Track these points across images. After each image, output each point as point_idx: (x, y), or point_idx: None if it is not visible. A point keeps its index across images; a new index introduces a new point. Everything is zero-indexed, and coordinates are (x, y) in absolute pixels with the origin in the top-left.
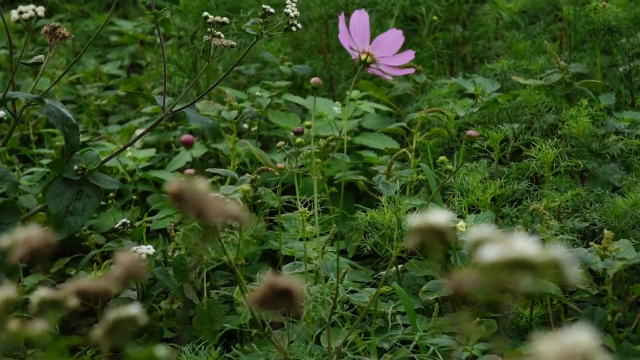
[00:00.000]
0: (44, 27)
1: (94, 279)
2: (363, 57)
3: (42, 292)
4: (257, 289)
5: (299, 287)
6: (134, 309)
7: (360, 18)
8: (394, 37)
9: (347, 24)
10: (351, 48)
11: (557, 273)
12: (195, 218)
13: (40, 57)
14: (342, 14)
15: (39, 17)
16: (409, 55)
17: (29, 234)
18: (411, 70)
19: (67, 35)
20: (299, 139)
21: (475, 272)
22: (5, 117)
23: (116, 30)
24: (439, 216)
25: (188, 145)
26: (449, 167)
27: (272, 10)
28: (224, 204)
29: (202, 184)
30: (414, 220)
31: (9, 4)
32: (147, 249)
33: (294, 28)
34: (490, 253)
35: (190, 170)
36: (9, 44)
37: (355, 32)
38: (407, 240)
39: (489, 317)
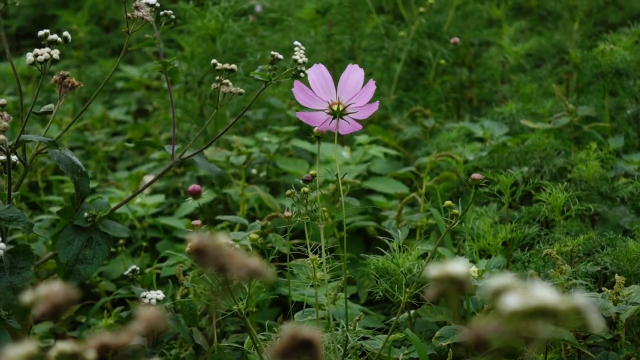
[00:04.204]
0: (54, 77)
1: (115, 332)
2: (335, 107)
3: (62, 345)
4: (277, 340)
5: (320, 338)
6: None
7: (317, 72)
8: (353, 71)
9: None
10: (314, 110)
11: (578, 320)
12: (217, 273)
13: (50, 106)
14: (297, 81)
15: (54, 60)
16: (372, 85)
17: (50, 290)
18: (375, 106)
19: (76, 84)
20: (305, 188)
21: (496, 320)
22: (17, 163)
23: (122, 76)
24: (458, 266)
25: (195, 195)
26: (456, 211)
27: (280, 56)
28: (245, 258)
29: (222, 239)
30: (433, 270)
31: (16, 49)
32: (157, 295)
33: (302, 74)
34: (511, 301)
35: (198, 221)
36: (19, 91)
37: (317, 87)
38: (427, 290)
39: None
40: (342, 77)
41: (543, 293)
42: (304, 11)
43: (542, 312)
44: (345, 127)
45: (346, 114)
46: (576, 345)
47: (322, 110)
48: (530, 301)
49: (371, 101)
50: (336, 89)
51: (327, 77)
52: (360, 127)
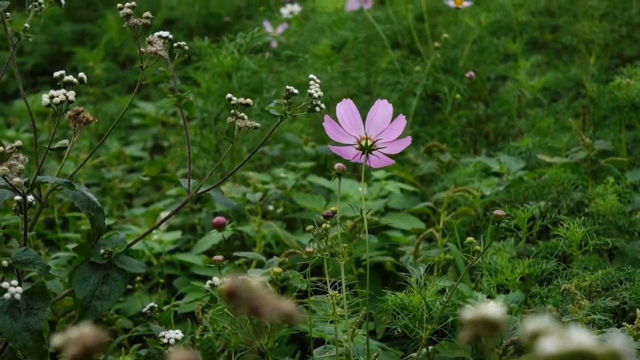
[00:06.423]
0: (68, 112)
1: None
2: (363, 142)
3: None
4: None
5: None
6: None
7: (345, 107)
8: (382, 106)
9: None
10: (344, 145)
11: None
12: (250, 315)
13: (65, 141)
14: (326, 116)
15: (70, 102)
16: (402, 120)
17: (81, 332)
18: (407, 141)
19: (90, 119)
20: (325, 224)
21: None
22: (33, 202)
23: (138, 112)
24: (493, 309)
25: (220, 227)
26: (478, 247)
27: (295, 91)
28: (278, 301)
29: (255, 282)
30: (467, 313)
31: (32, 86)
32: (176, 334)
33: (317, 109)
34: (549, 345)
35: (219, 257)
36: (33, 128)
37: (345, 122)
38: (461, 333)
39: None
40: (370, 112)
41: (580, 337)
42: (320, 47)
43: (579, 356)
44: (376, 161)
45: (375, 149)
46: None
47: (351, 145)
48: (568, 345)
49: (402, 136)
50: (364, 124)
51: (354, 113)
52: (392, 161)
